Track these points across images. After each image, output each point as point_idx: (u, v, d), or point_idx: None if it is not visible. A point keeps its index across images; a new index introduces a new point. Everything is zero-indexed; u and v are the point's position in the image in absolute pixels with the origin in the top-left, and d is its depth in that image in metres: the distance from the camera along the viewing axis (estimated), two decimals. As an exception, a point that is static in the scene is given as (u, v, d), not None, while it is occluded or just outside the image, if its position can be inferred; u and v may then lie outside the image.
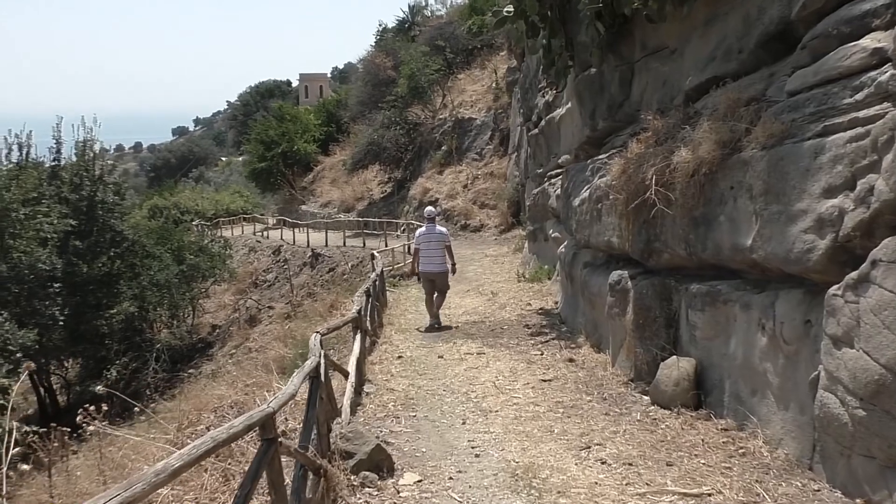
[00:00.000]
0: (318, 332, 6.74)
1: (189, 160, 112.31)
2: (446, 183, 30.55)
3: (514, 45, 25.50)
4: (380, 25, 54.33)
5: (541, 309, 13.15)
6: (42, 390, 24.39)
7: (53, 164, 26.58)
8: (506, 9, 12.04)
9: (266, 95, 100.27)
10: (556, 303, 13.29)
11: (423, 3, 52.43)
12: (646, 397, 7.37)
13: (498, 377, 8.77)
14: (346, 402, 7.03)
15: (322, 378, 5.53)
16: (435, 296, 12.64)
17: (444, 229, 13.52)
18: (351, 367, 7.64)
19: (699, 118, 7.38)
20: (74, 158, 26.66)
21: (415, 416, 7.32)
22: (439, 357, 10.06)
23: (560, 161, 15.10)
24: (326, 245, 29.49)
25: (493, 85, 32.68)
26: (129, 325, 25.53)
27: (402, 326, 12.53)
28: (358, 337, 8.25)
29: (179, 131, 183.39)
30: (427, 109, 35.22)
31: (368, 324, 11.03)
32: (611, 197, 8.47)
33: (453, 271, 13.13)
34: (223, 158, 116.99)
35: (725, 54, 7.85)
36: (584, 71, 11.74)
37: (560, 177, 15.42)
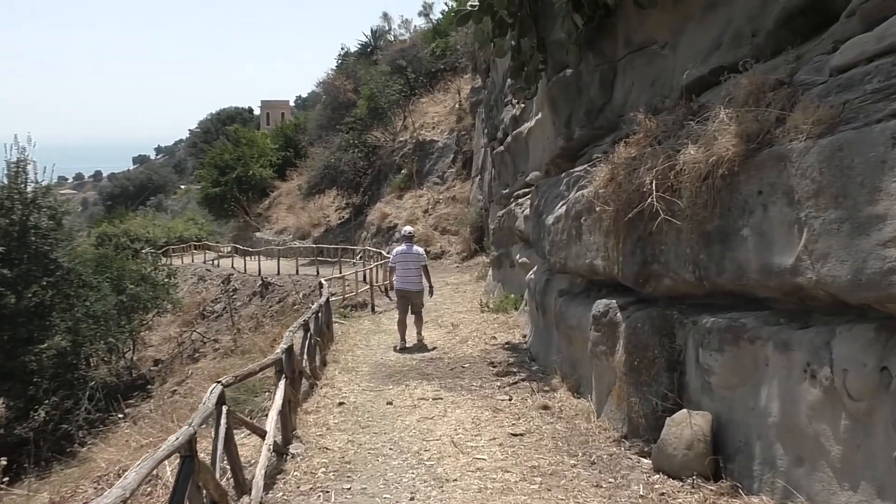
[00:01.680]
0: (220, 383, 5.07)
1: (147, 188, 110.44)
2: (406, 208, 29.00)
3: (478, 62, 24.20)
4: (342, 49, 52.97)
5: (507, 343, 11.57)
6: (-35, 431, 22.21)
7: (-19, 186, 24.54)
8: (469, 3, 10.60)
9: (227, 122, 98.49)
10: (525, 336, 11.73)
11: (387, 28, 51.28)
12: (646, 461, 5.79)
13: (458, 430, 7.15)
14: (258, 473, 5.35)
15: (195, 459, 3.85)
16: (413, 319, 12.56)
17: (420, 250, 13.35)
18: (269, 425, 5.95)
19: (707, 111, 5.92)
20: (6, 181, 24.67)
21: (349, 488, 5.64)
22: (388, 403, 8.40)
23: (528, 179, 13.65)
24: (278, 273, 27.72)
25: (457, 105, 31.34)
26: (61, 360, 23.38)
27: (349, 365, 10.84)
28: (282, 385, 6.56)
29: (140, 160, 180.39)
30: (387, 132, 33.76)
31: (307, 363, 9.36)
32: (596, 209, 6.94)
33: (430, 293, 12.99)
34: (182, 186, 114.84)
35: (734, 39, 6.49)
36: (559, 73, 10.35)
37: (528, 196, 14.00)
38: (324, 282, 15.15)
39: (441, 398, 8.48)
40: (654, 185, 5.80)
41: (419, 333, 12.50)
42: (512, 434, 6.91)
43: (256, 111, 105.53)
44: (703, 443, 5.20)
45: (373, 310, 17.23)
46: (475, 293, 17.95)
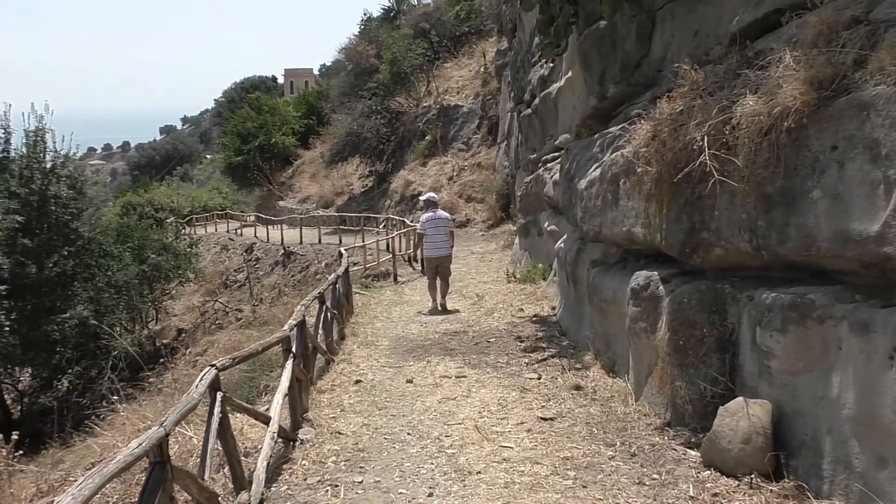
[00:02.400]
0: (213, 366, 4.49)
1: (173, 158, 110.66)
2: (430, 175, 28.25)
3: (504, 22, 23.29)
4: (364, 14, 51.89)
5: (535, 316, 10.93)
6: (-8, 400, 22.19)
7: (2, 155, 24.24)
8: (493, -49, 9.81)
9: (251, 91, 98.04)
10: (554, 308, 11.09)
11: (411, -9, 50.13)
12: (693, 453, 5.16)
13: (482, 413, 6.55)
14: (260, 465, 4.79)
15: (167, 466, 3.25)
16: (439, 284, 12.65)
17: (447, 214, 13.61)
18: (274, 410, 5.38)
19: (767, 57, 5.19)
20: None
21: (361, 481, 5.07)
22: (408, 382, 7.82)
23: (558, 142, 12.90)
24: (301, 243, 27.28)
25: (482, 69, 30.42)
26: (83, 330, 23.18)
27: (369, 339, 10.27)
28: (289, 365, 5.96)
29: (167, 130, 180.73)
30: (410, 97, 32.92)
31: (322, 338, 8.81)
32: (637, 171, 6.24)
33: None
34: (207, 156, 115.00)
35: (792, -23, 5.71)
36: (592, 25, 9.58)
37: (557, 161, 13.29)
38: (343, 251, 14.56)
39: (465, 376, 7.88)
40: (705, 141, 5.10)
41: (444, 298, 12.63)
42: (542, 418, 6.30)
43: (280, 80, 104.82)
44: (763, 436, 4.55)
45: (395, 280, 16.66)
46: (501, 262, 17.31)
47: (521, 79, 18.10)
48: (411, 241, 19.58)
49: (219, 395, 4.34)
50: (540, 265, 13.88)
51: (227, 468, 4.69)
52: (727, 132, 4.95)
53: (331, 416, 6.65)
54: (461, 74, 32.56)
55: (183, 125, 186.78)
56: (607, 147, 8.31)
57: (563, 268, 10.14)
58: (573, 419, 6.23)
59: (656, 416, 5.92)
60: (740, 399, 4.79)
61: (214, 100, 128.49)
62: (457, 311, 12.18)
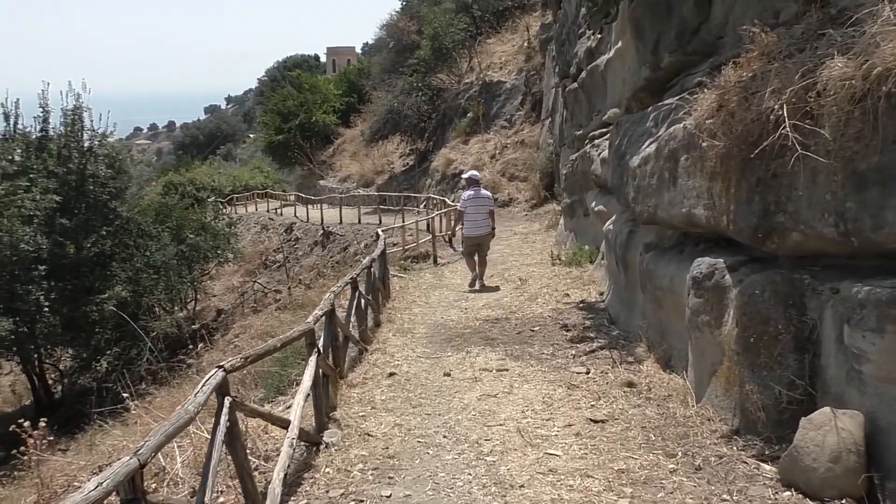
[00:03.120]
0: (220, 367, 3.97)
1: (217, 137, 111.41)
2: (472, 153, 27.53)
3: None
4: (407, -10, 51.03)
5: (582, 302, 10.29)
6: (36, 380, 22.25)
7: (40, 134, 24.15)
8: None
9: (293, 70, 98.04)
10: (602, 294, 10.44)
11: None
12: (767, 467, 4.52)
13: (526, 413, 5.98)
14: (276, 477, 4.28)
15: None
16: (477, 264, 12.64)
17: (488, 193, 13.56)
18: (294, 413, 4.87)
19: (852, 15, 4.49)
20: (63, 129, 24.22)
21: (389, 496, 4.53)
22: (445, 375, 7.28)
23: (606, 117, 12.18)
24: (340, 222, 26.86)
25: (525, 44, 29.53)
26: (122, 311, 23.10)
27: (405, 326, 9.74)
28: (313, 361, 5.41)
29: (211, 110, 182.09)
30: (452, 73, 32.17)
31: (355, 326, 8.31)
32: (702, 145, 5.56)
33: (492, 235, 13.06)
34: (251, 136, 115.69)
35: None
36: (644, -11, 8.87)
37: (606, 137, 12.58)
38: (380, 232, 14.06)
39: (506, 369, 7.31)
40: (784, 111, 4.43)
41: (482, 278, 12.62)
42: (591, 420, 5.71)
43: (323, 58, 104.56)
44: (856, 454, 3.91)
45: (435, 261, 16.11)
46: (545, 244, 16.65)
47: (566, 52, 17.32)
48: (451, 221, 19.02)
49: (227, 401, 3.83)
50: (586, 247, 13.21)
51: (238, 480, 4.19)
52: (811, 99, 4.28)
53: (360, 414, 6.13)
54: (504, 49, 31.70)
55: (227, 105, 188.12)
56: (662, 121, 7.65)
57: (613, 251, 9.48)
58: (627, 422, 5.62)
59: (722, 422, 5.28)
60: (827, 410, 4.13)
61: (257, 79, 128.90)
62: (497, 288, 12.19)
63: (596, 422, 5.66)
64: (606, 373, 6.96)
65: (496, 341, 8.51)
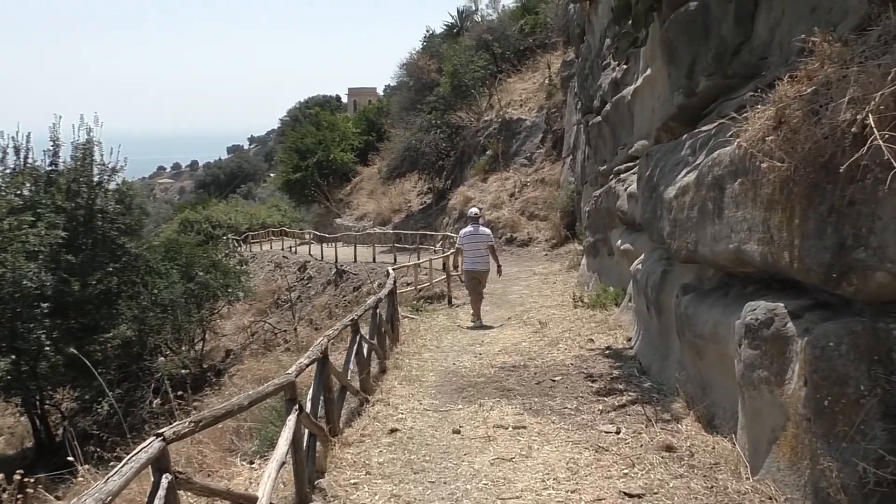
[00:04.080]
0: (159, 436, 3.12)
1: (238, 176, 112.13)
2: (490, 191, 26.79)
3: (572, 29, 21.78)
4: (427, 31, 50.89)
5: (608, 349, 9.37)
6: (37, 421, 21.47)
7: (50, 168, 23.67)
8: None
9: (313, 108, 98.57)
10: (630, 340, 9.52)
11: (473, 8, 48.90)
12: (852, 568, 3.60)
13: (547, 483, 5.07)
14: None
15: None
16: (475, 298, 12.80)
17: (487, 230, 13.63)
18: (263, 489, 3.96)
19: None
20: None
21: None
22: (454, 432, 6.38)
23: (633, 150, 11.38)
24: (355, 261, 26.11)
25: (547, 81, 28.93)
26: (126, 350, 22.33)
27: (413, 373, 8.86)
28: (292, 422, 4.52)
29: (234, 149, 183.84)
30: (471, 111, 31.57)
31: (355, 374, 7.44)
32: (761, 167, 4.71)
33: (499, 272, 13.24)
34: (271, 175, 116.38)
35: None
36: (679, 8, 8.13)
37: (632, 171, 11.77)
38: (391, 270, 13.24)
39: (524, 426, 6.40)
40: (871, 121, 3.58)
41: (478, 313, 12.72)
42: (626, 494, 4.79)
43: (344, 99, 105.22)
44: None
45: (450, 302, 15.25)
46: (566, 285, 15.76)
47: (589, 87, 16.62)
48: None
49: (165, 480, 2.98)
50: (611, 289, 12.31)
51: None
52: (901, 106, 3.43)
53: (352, 481, 5.23)
54: (524, 87, 31.12)
55: (250, 144, 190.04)
56: (701, 147, 6.86)
57: (643, 293, 8.59)
58: (669, 497, 4.69)
59: (786, 500, 4.34)
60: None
61: (279, 119, 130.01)
62: (490, 327, 12.15)
63: (631, 496, 4.75)
64: (640, 433, 6.04)
65: (513, 392, 7.61)
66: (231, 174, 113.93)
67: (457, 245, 13.77)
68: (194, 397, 21.16)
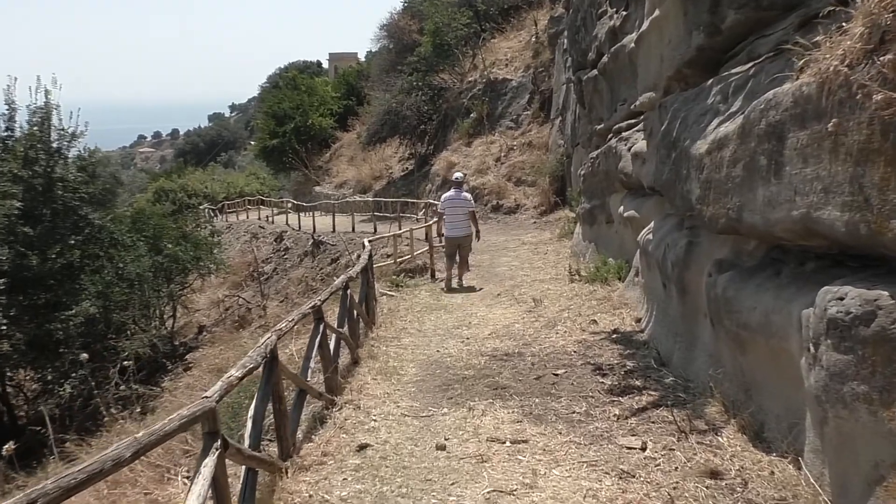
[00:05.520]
0: None
1: (218, 144, 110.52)
2: (475, 156, 25.38)
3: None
4: (409, -9, 48.89)
5: (615, 332, 8.12)
6: (-1, 403, 20.16)
7: (6, 134, 22.03)
8: None
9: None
10: (639, 321, 8.28)
11: (456, -33, 46.97)
12: None
13: (561, 529, 3.83)
14: None
15: None
16: (457, 264, 12.73)
17: (469, 195, 13.56)
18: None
19: None
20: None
21: None
22: (439, 448, 5.13)
23: (638, 104, 10.04)
24: (334, 231, 24.76)
25: (533, 39, 27.42)
26: (90, 329, 20.91)
27: (390, 364, 7.57)
28: (209, 465, 3.27)
29: (215, 117, 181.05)
30: (454, 72, 30.00)
31: (319, 372, 6.17)
32: (857, 103, 3.42)
33: (477, 238, 13.10)
34: (252, 142, 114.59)
35: None
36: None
37: (637, 128, 10.51)
38: (367, 243, 11.93)
39: (525, 440, 5.15)
40: None
41: (461, 277, 12.76)
42: (668, 549, 3.56)
43: (325, 64, 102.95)
44: None
45: (433, 276, 13.95)
46: (559, 255, 14.51)
47: (581, 40, 15.23)
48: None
49: None
50: (611, 260, 11.07)
51: None
52: None
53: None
54: (510, 46, 29.56)
55: (231, 112, 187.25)
56: (735, 93, 5.64)
57: (657, 268, 7.32)
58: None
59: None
60: None
61: (259, 86, 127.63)
62: (473, 288, 12.26)
63: (676, 553, 3.51)
64: (671, 448, 4.80)
65: (508, 391, 6.34)
66: (211, 142, 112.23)
67: (437, 209, 13.66)
68: (166, 376, 20.01)
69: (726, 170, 5.06)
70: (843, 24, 3.96)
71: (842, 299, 3.59)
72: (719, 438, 4.85)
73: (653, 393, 5.90)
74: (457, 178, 13.54)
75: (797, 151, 4.12)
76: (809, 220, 4.01)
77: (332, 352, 6.54)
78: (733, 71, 6.07)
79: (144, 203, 39.90)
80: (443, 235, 12.98)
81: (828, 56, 3.84)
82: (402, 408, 6.10)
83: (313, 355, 6.04)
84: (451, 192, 12.92)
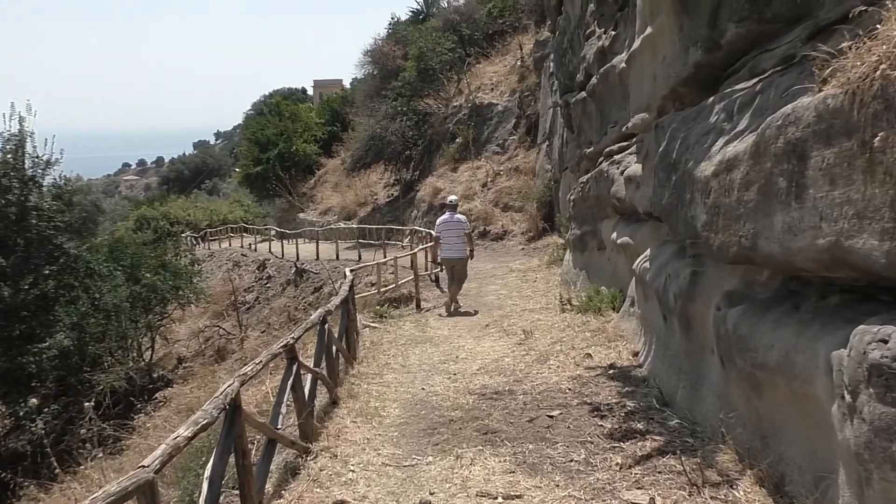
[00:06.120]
0: None
1: (202, 172, 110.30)
2: (461, 181, 24.95)
3: (548, 2, 19.98)
4: (392, 18, 48.72)
5: (611, 367, 7.62)
6: (-30, 441, 19.39)
7: (-21, 163, 21.45)
8: None
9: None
10: (636, 355, 7.78)
11: (441, -7, 46.84)
12: None
13: None
14: None
15: None
16: (453, 285, 13.03)
17: (463, 217, 13.96)
18: None
19: None
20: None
21: None
22: (423, 505, 4.61)
23: (630, 125, 9.64)
24: (317, 258, 24.21)
25: (518, 63, 27.15)
26: (63, 361, 20.20)
27: (371, 404, 7.03)
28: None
29: (200, 145, 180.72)
30: (439, 97, 29.66)
31: (293, 418, 5.63)
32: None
33: (471, 256, 13.50)
34: (237, 170, 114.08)
35: None
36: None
37: (629, 151, 10.10)
38: (348, 272, 11.43)
39: (519, 496, 4.61)
40: None
41: (455, 301, 12.88)
42: None
43: (310, 91, 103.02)
44: None
45: (418, 306, 13.43)
46: (549, 283, 14.05)
47: (568, 62, 14.89)
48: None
49: None
50: (604, 289, 10.60)
51: None
52: None
53: None
54: (495, 70, 29.28)
55: (216, 140, 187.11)
56: (741, 110, 5.24)
57: (656, 298, 6.84)
58: None
59: None
60: None
61: (244, 113, 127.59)
62: (469, 313, 12.32)
63: None
64: (683, 504, 4.29)
65: (499, 436, 5.80)
66: (195, 170, 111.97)
67: (434, 233, 14.08)
68: (143, 410, 19.37)
69: (737, 193, 4.60)
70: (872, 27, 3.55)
71: (885, 342, 3.11)
72: (735, 492, 4.35)
73: (657, 437, 5.38)
74: (451, 202, 13.93)
75: (823, 172, 3.66)
76: (839, 248, 3.54)
77: (307, 394, 6.00)
78: (736, 87, 5.66)
79: (125, 231, 39.25)
80: (437, 261, 13.54)
81: (858, 64, 3.40)
82: (384, 456, 5.56)
83: (285, 399, 5.50)
84: (447, 216, 13.29)
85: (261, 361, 5.12)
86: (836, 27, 4.51)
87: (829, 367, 3.64)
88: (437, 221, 13.83)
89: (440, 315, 12.54)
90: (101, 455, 14.81)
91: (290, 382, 5.57)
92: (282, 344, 5.70)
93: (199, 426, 3.58)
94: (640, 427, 5.64)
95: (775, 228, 4.13)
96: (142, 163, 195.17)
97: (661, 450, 5.14)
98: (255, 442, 5.51)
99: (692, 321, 5.79)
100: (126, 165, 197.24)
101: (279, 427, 5.28)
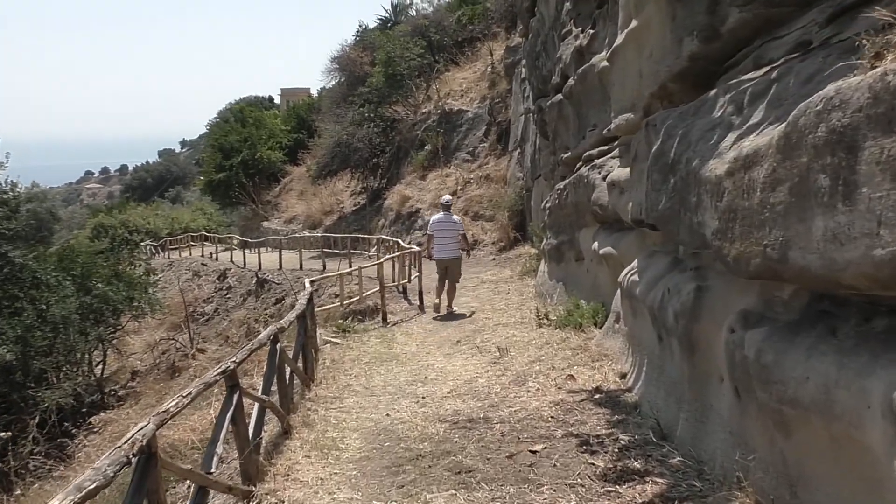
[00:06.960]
0: None
1: (166, 180, 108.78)
2: (430, 190, 24.19)
3: (520, 4, 19.29)
4: (360, 25, 47.89)
5: (596, 391, 6.86)
6: None
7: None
8: None
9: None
10: (624, 377, 7.04)
11: (408, 1, 46.16)
12: None
13: None
14: None
15: None
16: (446, 287, 12.98)
17: (458, 218, 14.00)
18: None
19: None
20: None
21: None
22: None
23: (613, 127, 8.93)
24: (280, 268, 23.30)
25: (489, 69, 26.50)
26: (6, 378, 19.04)
27: (328, 435, 6.18)
28: None
29: (165, 153, 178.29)
30: (407, 104, 28.91)
31: (237, 454, 4.79)
32: None
33: (468, 254, 13.86)
34: (201, 178, 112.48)
35: None
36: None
37: (611, 155, 9.43)
38: (307, 283, 10.58)
39: (500, 557, 3.84)
40: None
41: (450, 305, 12.90)
42: None
43: (277, 100, 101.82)
44: None
45: (384, 319, 12.60)
46: (522, 296, 13.31)
47: (542, 66, 14.25)
48: (405, 267, 15.67)
49: None
50: (584, 303, 9.87)
51: None
52: None
53: None
54: (465, 76, 28.60)
55: (182, 148, 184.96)
56: (753, 101, 4.53)
57: (654, 318, 6.09)
58: None
59: None
60: None
61: (209, 120, 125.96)
62: (464, 315, 12.32)
63: None
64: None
65: (475, 476, 5.00)
66: (159, 178, 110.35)
67: (427, 232, 13.99)
68: (91, 428, 18.45)
69: (760, 195, 3.86)
70: None
71: None
72: (763, 556, 3.60)
73: (658, 480, 4.62)
74: (446, 202, 13.77)
75: (881, 165, 2.93)
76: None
77: (251, 427, 5.16)
78: (744, 78, 4.96)
79: (82, 239, 37.94)
80: (432, 258, 13.12)
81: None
82: (339, 501, 4.73)
83: (222, 436, 4.66)
84: (441, 215, 13.30)
85: (189, 394, 4.27)
86: (858, 10, 3.89)
87: (887, 408, 2.92)
88: (430, 220, 13.85)
89: (434, 317, 12.57)
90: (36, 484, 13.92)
91: (229, 415, 4.73)
92: (219, 370, 4.85)
93: (82, 493, 2.74)
94: (638, 466, 4.88)
95: (813, 236, 3.39)
96: (105, 171, 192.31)
97: (664, 496, 4.38)
98: (184, 490, 4.67)
99: (696, 343, 5.05)
100: (89, 173, 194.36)
101: (212, 471, 4.44)
